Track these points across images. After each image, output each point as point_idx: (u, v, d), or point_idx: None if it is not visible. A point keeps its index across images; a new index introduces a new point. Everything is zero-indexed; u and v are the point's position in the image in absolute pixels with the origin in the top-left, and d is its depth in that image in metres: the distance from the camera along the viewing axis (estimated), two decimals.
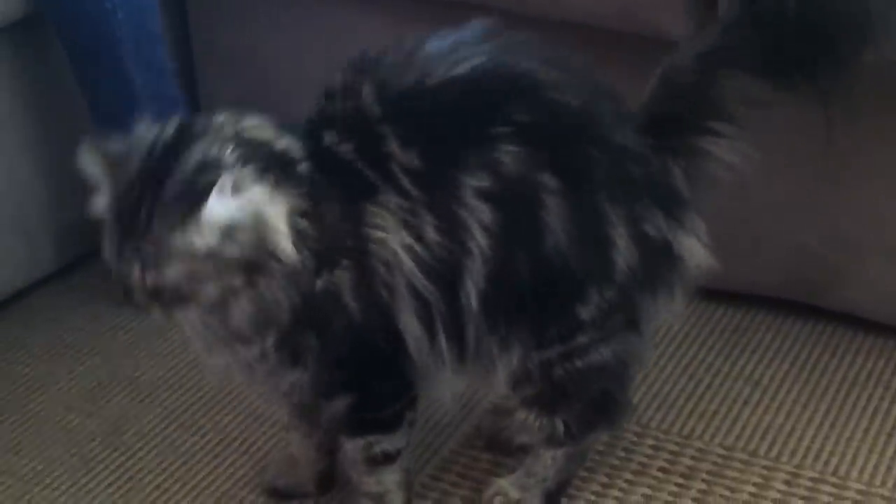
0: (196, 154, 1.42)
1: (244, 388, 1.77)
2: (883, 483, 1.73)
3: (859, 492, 1.72)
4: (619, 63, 1.92)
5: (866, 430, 1.83)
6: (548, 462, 1.67)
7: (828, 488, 1.73)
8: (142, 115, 2.09)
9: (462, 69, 1.50)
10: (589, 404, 1.62)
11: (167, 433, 1.90)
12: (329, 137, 1.50)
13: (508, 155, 1.47)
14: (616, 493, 1.73)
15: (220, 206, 1.38)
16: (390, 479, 1.66)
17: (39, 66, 2.18)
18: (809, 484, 1.73)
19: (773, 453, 1.79)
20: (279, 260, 1.43)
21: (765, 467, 1.77)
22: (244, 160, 1.42)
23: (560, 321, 1.54)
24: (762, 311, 2.10)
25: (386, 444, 1.62)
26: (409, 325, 1.51)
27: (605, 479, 1.75)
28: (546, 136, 1.50)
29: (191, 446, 1.87)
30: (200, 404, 1.94)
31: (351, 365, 1.54)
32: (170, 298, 1.44)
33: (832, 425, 1.84)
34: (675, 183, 1.57)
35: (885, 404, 1.88)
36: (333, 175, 1.48)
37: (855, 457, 1.78)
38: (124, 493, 1.78)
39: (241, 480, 1.79)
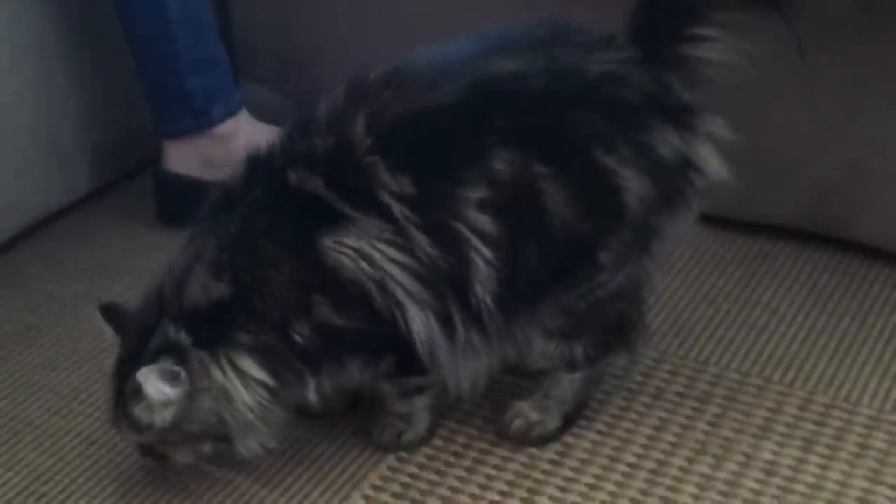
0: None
1: None
2: (893, 409, 1.77)
3: (869, 417, 1.76)
4: None
5: (879, 358, 1.87)
6: (566, 385, 1.72)
7: (839, 413, 1.77)
8: (175, 39, 2.16)
9: (444, 96, 1.52)
10: (606, 328, 1.67)
11: None
12: (294, 175, 1.53)
13: (499, 161, 1.50)
14: (633, 415, 1.78)
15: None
16: (420, 403, 1.73)
17: None
18: (821, 409, 1.78)
19: (787, 379, 1.84)
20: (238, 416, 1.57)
21: (778, 392, 1.81)
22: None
23: (582, 272, 1.58)
24: (781, 241, 2.13)
25: (420, 381, 1.69)
26: (416, 322, 1.55)
27: (622, 403, 1.80)
28: (528, 131, 1.52)
29: None
30: None
31: (377, 348, 1.61)
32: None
33: (846, 353, 1.89)
34: (675, 92, 1.58)
35: None
36: (294, 211, 1.53)
37: (867, 383, 1.82)
38: None
39: None
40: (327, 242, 1.52)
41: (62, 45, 2.22)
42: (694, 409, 1.79)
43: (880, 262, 2.07)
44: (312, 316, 1.54)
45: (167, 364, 1.52)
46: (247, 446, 1.59)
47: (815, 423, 1.76)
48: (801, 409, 1.78)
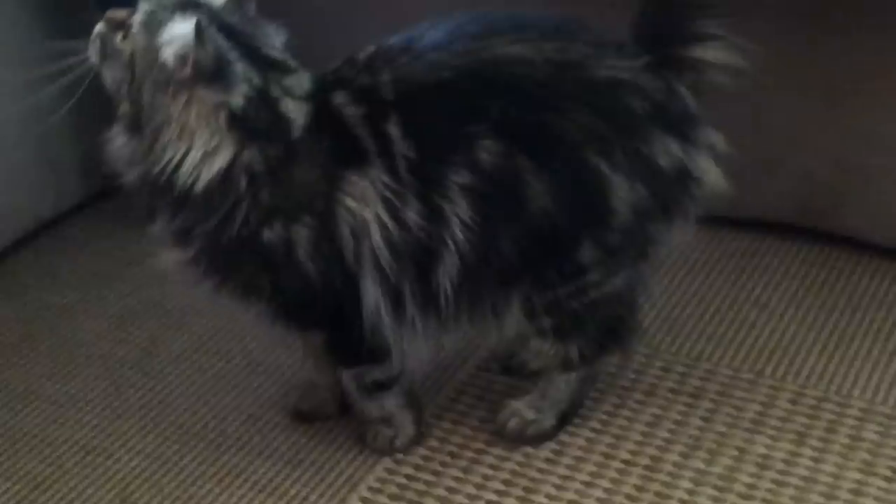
0: None
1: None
2: (884, 401, 1.79)
3: (861, 409, 1.78)
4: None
5: (869, 350, 1.89)
6: (561, 386, 1.73)
7: (831, 406, 1.79)
8: None
9: (448, 71, 1.54)
10: (602, 329, 1.68)
11: (195, 358, 1.97)
12: (340, 97, 1.54)
13: (485, 151, 1.52)
14: (626, 412, 1.79)
15: None
16: (391, 403, 1.73)
17: None
18: (813, 402, 1.79)
19: (779, 373, 1.85)
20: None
21: (770, 387, 1.83)
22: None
23: (560, 268, 1.59)
24: (770, 236, 2.15)
25: (377, 373, 1.69)
26: (369, 292, 1.56)
27: (616, 400, 1.82)
28: (517, 123, 1.53)
29: (218, 370, 1.93)
30: (227, 330, 2.01)
31: (314, 308, 1.60)
32: None
33: (836, 346, 1.90)
34: (683, 101, 1.59)
35: (888, 325, 1.94)
36: (328, 134, 1.53)
37: (857, 376, 1.84)
38: (154, 416, 1.85)
39: (266, 403, 1.86)
40: (347, 178, 1.52)
41: (48, 53, 2.21)
42: (687, 404, 1.80)
43: (868, 255, 2.09)
44: (289, 230, 1.54)
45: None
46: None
47: (808, 416, 1.77)
48: (793, 402, 1.80)
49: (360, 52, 1.59)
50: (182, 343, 2.00)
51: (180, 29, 1.48)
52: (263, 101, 1.52)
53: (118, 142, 1.59)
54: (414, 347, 1.64)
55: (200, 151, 1.50)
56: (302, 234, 1.54)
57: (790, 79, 2.01)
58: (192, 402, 1.88)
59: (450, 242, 1.54)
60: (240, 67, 1.50)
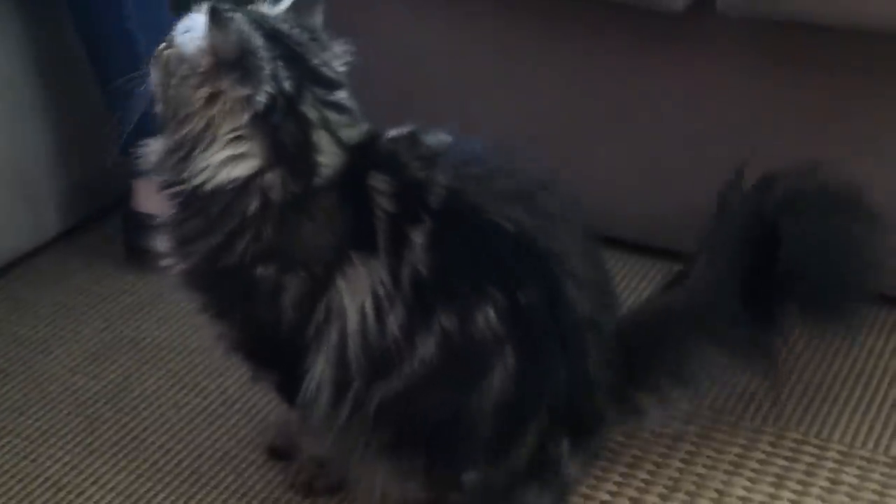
0: None
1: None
2: (863, 445, 1.79)
3: (840, 453, 1.77)
4: (618, 36, 1.96)
5: (848, 394, 1.89)
6: None
7: (810, 449, 1.78)
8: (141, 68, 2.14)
9: (511, 223, 1.49)
10: None
11: (170, 394, 1.95)
12: (380, 181, 1.49)
13: (483, 318, 1.47)
14: (607, 453, 1.77)
15: None
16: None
17: (43, 29, 2.21)
18: (793, 445, 1.79)
19: (760, 416, 1.85)
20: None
21: (751, 430, 1.82)
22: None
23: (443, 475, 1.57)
24: None
25: None
26: (317, 368, 1.53)
27: None
28: (535, 309, 1.49)
29: (193, 407, 1.91)
30: (203, 367, 1.99)
31: (277, 350, 1.58)
32: None
33: (816, 390, 1.90)
34: (602, 412, 1.61)
35: (868, 369, 1.94)
36: (351, 211, 1.50)
37: (837, 420, 1.84)
38: (128, 453, 1.83)
39: (242, 441, 1.84)
40: (350, 259, 1.49)
41: (30, 88, 2.21)
42: (667, 446, 1.80)
43: None
44: (283, 277, 1.51)
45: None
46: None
47: (787, 458, 1.77)
48: (773, 445, 1.79)
49: (429, 134, 1.54)
50: (157, 379, 1.98)
51: (198, 19, 1.48)
52: (291, 112, 1.49)
53: (156, 146, 1.58)
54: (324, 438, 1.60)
55: (227, 153, 1.48)
56: (293, 285, 1.52)
57: (763, 117, 2.02)
58: (167, 440, 1.85)
59: (406, 369, 1.49)
60: (268, 64, 1.47)
